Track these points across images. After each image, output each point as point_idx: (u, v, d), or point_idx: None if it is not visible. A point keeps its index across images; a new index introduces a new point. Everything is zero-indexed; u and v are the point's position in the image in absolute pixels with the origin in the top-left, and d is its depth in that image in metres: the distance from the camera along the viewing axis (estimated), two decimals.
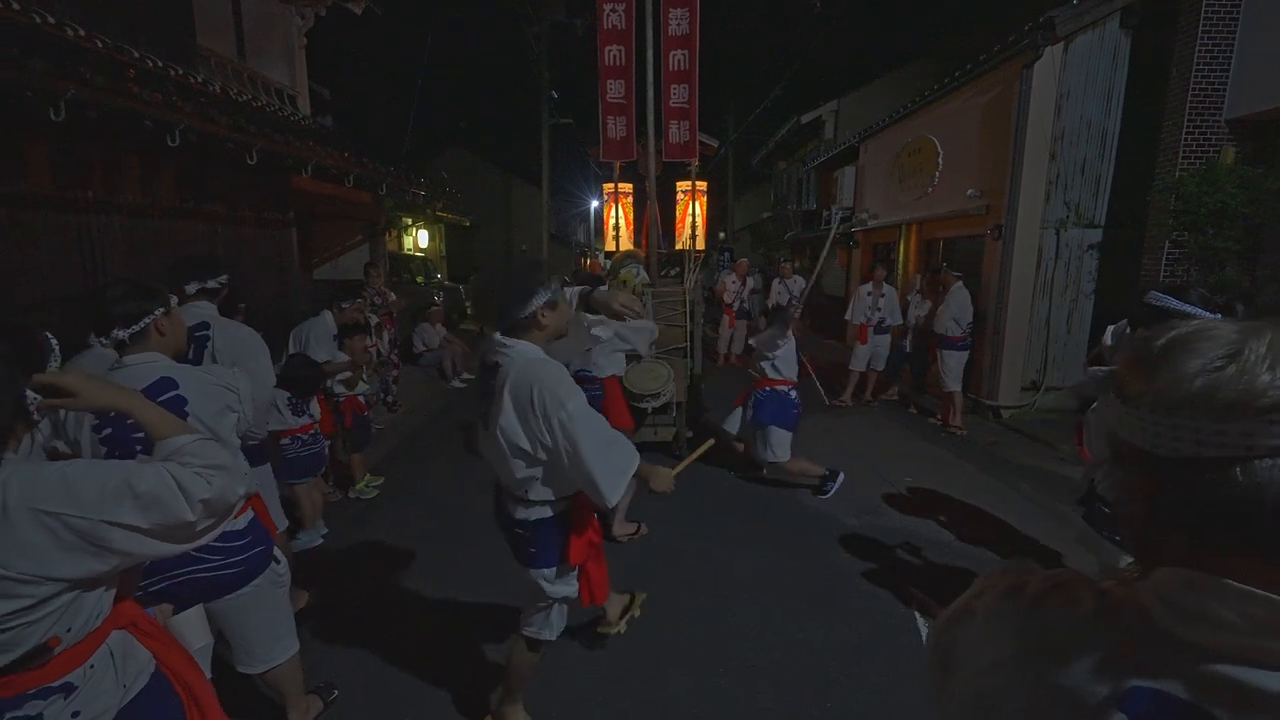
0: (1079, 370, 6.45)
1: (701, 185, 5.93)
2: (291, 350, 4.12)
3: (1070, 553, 3.55)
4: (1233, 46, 5.43)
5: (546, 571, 2.00)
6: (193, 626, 1.70)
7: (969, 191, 7.14)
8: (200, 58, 6.36)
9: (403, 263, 12.03)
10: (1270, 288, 5.21)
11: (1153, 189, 5.86)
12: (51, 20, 4.01)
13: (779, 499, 4.59)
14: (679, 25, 5.48)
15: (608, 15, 5.52)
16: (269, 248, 6.27)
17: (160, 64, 5.10)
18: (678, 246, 6.03)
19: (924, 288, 7.22)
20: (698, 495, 4.43)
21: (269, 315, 5.43)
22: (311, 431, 3.68)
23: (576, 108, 19.79)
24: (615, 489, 1.79)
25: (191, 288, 2.62)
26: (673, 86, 5.58)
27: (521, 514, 1.96)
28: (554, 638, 2.16)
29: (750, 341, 4.53)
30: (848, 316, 7.72)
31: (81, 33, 4.27)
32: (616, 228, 6.04)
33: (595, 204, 25.77)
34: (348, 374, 4.34)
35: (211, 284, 2.66)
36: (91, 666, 1.13)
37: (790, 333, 4.43)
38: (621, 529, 3.85)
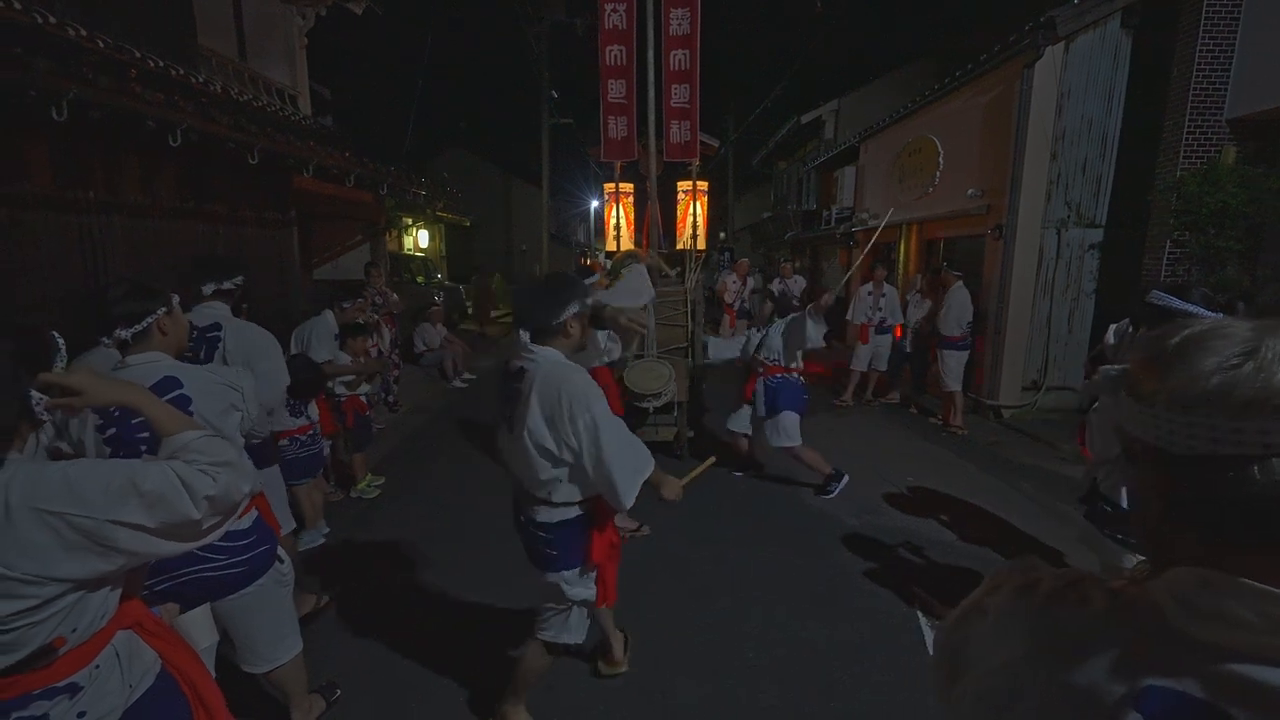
0: (1080, 370, 6.46)
1: (702, 185, 5.93)
2: (293, 350, 4.12)
3: (1072, 552, 3.55)
4: (1234, 46, 5.43)
5: (568, 574, 2.02)
6: (199, 626, 1.70)
7: (970, 191, 7.14)
8: (201, 58, 6.36)
9: (403, 263, 12.03)
10: (1271, 287, 5.21)
11: (1154, 189, 5.86)
12: (53, 20, 4.01)
13: (781, 499, 4.59)
14: (680, 25, 5.47)
15: (609, 15, 5.52)
16: (270, 248, 6.27)
17: (161, 64, 5.10)
18: (679, 246, 6.03)
19: (924, 287, 7.22)
20: (699, 495, 4.42)
21: (270, 315, 5.42)
22: (310, 433, 3.67)
23: (576, 108, 19.84)
24: (632, 492, 1.85)
25: (208, 289, 2.64)
26: (674, 86, 5.58)
27: (544, 516, 1.98)
28: (573, 642, 2.17)
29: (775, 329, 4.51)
30: (849, 317, 7.72)
31: (83, 33, 4.27)
32: (617, 228, 6.04)
33: (595, 204, 25.78)
34: (350, 376, 4.35)
35: (227, 285, 2.68)
36: (97, 667, 1.13)
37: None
38: (623, 522, 3.87)
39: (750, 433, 4.84)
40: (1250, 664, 0.50)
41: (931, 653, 0.84)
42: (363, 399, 4.57)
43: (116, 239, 4.36)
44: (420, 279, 12.03)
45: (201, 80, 5.68)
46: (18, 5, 3.80)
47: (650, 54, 5.39)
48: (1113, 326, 3.10)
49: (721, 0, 17.24)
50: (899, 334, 7.37)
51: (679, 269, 5.80)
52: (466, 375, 8.67)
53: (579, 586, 2.05)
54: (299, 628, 2.17)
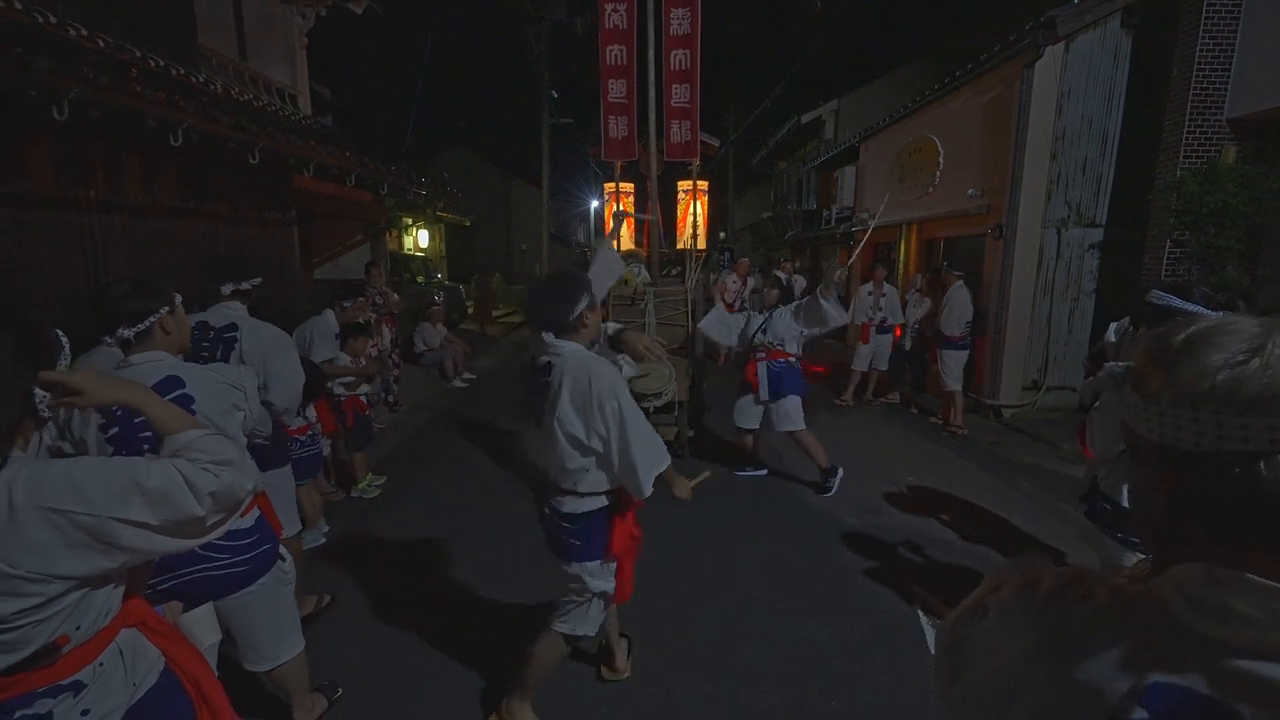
0: (1080, 370, 6.46)
1: (703, 185, 5.93)
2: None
3: (1073, 551, 3.55)
4: (1234, 46, 5.43)
5: (590, 565, 2.09)
6: (202, 624, 1.70)
7: (970, 191, 7.14)
8: (201, 57, 6.36)
9: (403, 262, 12.03)
10: (1271, 286, 5.22)
11: (1154, 188, 5.87)
12: (53, 20, 4.01)
13: (781, 498, 4.59)
14: (680, 25, 5.47)
15: (609, 15, 5.52)
16: (270, 247, 6.26)
17: (162, 64, 5.10)
18: (679, 246, 6.03)
19: (924, 287, 7.22)
20: (698, 495, 4.41)
21: (270, 314, 5.42)
22: (308, 433, 3.67)
23: (576, 108, 19.83)
24: (650, 482, 1.95)
25: (226, 289, 2.66)
26: (674, 86, 5.57)
27: (569, 507, 2.05)
28: (590, 634, 2.22)
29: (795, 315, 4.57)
30: (849, 316, 7.72)
31: (84, 32, 4.27)
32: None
33: (595, 204, 25.79)
34: (349, 377, 4.35)
35: (244, 286, 2.71)
36: (101, 665, 1.13)
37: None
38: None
39: (758, 428, 4.86)
40: (1256, 660, 0.50)
41: (933, 652, 0.84)
42: (363, 399, 4.57)
43: (117, 238, 4.36)
44: (420, 279, 12.03)
45: (202, 80, 5.68)
46: (18, 5, 3.80)
47: (651, 54, 5.39)
48: (1113, 325, 3.11)
49: (722, 0, 17.21)
50: (899, 334, 7.37)
51: (679, 268, 5.80)
52: (466, 375, 8.67)
53: (600, 578, 2.11)
54: (301, 626, 2.17)
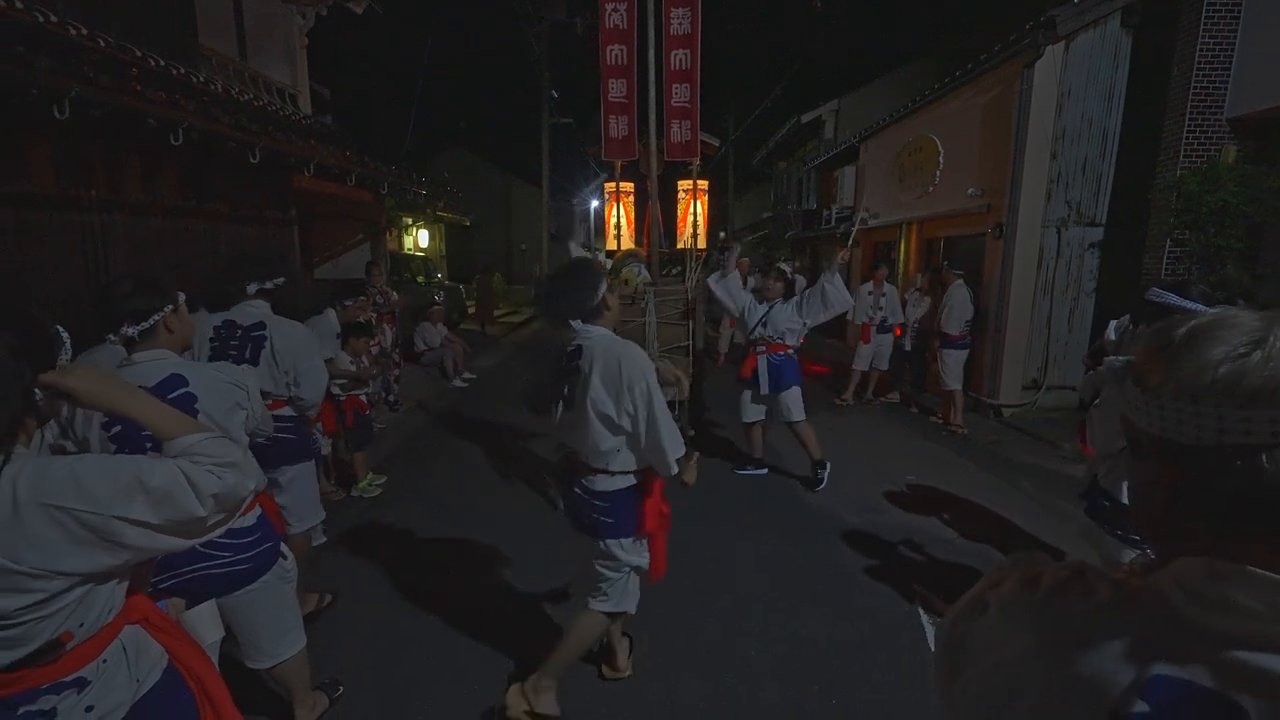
0: (1080, 369, 6.47)
1: (703, 184, 5.93)
2: None
3: (1073, 549, 3.55)
4: (1234, 45, 5.44)
5: (624, 541, 2.18)
6: (205, 621, 1.70)
7: (970, 190, 7.14)
8: (202, 57, 6.36)
9: (403, 262, 12.02)
10: (1271, 285, 5.22)
11: (1154, 187, 5.87)
12: (54, 19, 4.01)
13: (781, 497, 4.59)
14: (680, 25, 5.47)
15: (609, 14, 5.52)
16: (270, 247, 6.27)
17: (162, 63, 5.10)
18: (679, 245, 6.03)
19: (924, 286, 7.23)
20: (699, 493, 4.42)
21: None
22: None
23: (576, 107, 19.85)
24: (675, 460, 2.06)
25: (252, 288, 2.69)
26: (674, 86, 5.58)
27: (602, 485, 2.14)
28: (630, 610, 2.30)
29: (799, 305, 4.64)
30: (849, 316, 7.72)
31: (84, 31, 4.27)
32: (618, 227, 6.03)
33: (595, 204, 25.79)
34: (345, 379, 4.35)
35: (268, 284, 2.74)
36: (104, 661, 1.13)
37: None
38: None
39: (763, 418, 4.89)
40: (1259, 652, 0.50)
41: (933, 649, 0.84)
42: (363, 398, 4.57)
43: (118, 238, 4.37)
44: (420, 279, 12.02)
45: (202, 79, 5.68)
46: (19, 4, 3.80)
47: (651, 53, 5.39)
48: (1113, 323, 3.11)
49: (722, 0, 17.21)
50: (898, 333, 7.37)
51: (679, 268, 5.80)
52: (467, 375, 8.67)
53: (634, 553, 2.21)
54: (302, 624, 2.18)
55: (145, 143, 4.41)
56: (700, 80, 5.54)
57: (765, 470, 5.02)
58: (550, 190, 16.01)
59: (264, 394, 2.62)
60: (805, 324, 4.62)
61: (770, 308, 4.72)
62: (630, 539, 2.18)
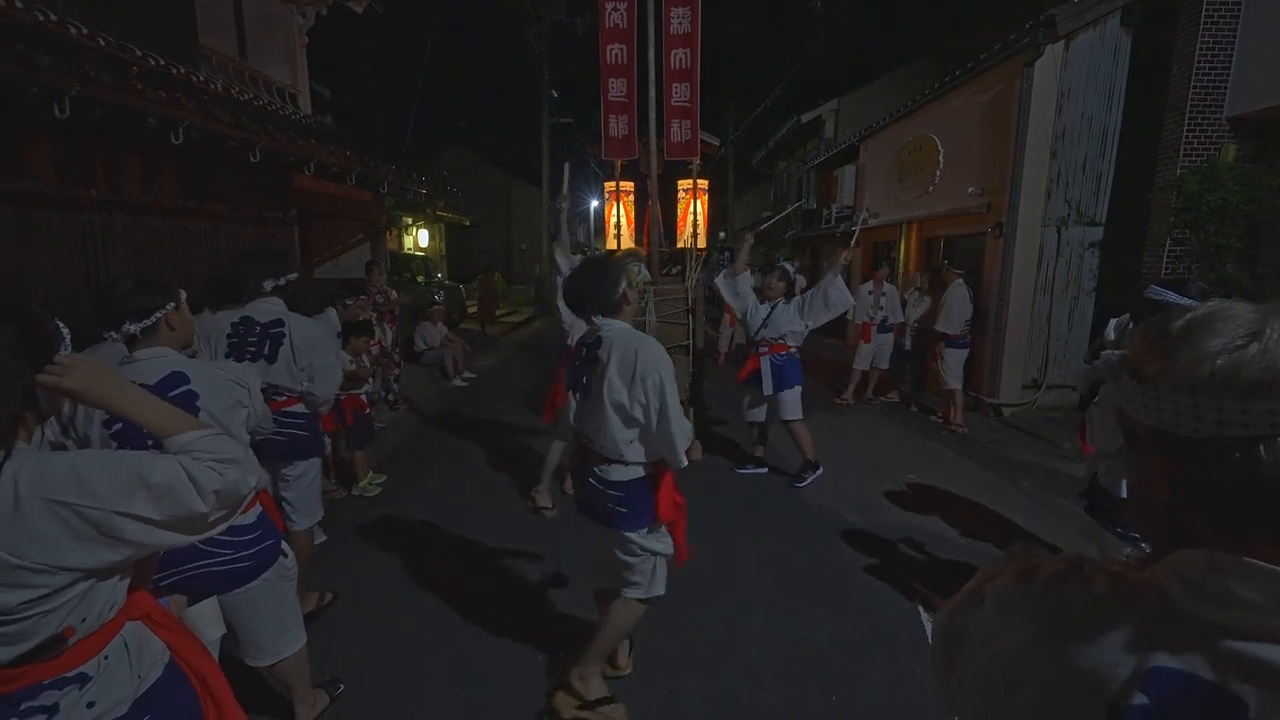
0: (1080, 368, 6.46)
1: (703, 183, 5.93)
2: None
3: (1073, 548, 3.55)
4: (1233, 44, 5.44)
5: (642, 531, 2.22)
6: (207, 618, 1.71)
7: (970, 190, 7.15)
8: (202, 56, 6.36)
9: (403, 262, 12.02)
10: (1271, 284, 5.22)
11: (1154, 186, 5.87)
12: (54, 18, 4.01)
13: (781, 496, 4.59)
14: (680, 24, 5.47)
15: (609, 14, 5.52)
16: (271, 246, 6.27)
17: (162, 63, 5.10)
18: (679, 245, 6.03)
19: (924, 285, 7.23)
20: (699, 493, 4.43)
21: None
22: None
23: (576, 107, 19.80)
24: (684, 452, 2.13)
25: (268, 285, 2.72)
26: (674, 85, 5.58)
27: (617, 475, 2.18)
28: (661, 594, 2.35)
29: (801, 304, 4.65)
30: (849, 316, 7.72)
31: (84, 31, 4.27)
32: (618, 226, 6.03)
33: (595, 204, 25.81)
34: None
35: (283, 281, 2.77)
36: (106, 657, 1.13)
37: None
38: (543, 501, 4.23)
39: (764, 420, 4.91)
40: (1257, 644, 0.50)
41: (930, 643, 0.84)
42: (363, 397, 4.58)
43: (118, 237, 4.37)
44: (420, 278, 12.02)
45: (202, 79, 5.68)
46: (19, 3, 3.80)
47: (651, 53, 5.39)
48: (1113, 321, 3.11)
49: (722, 0, 17.19)
50: (898, 332, 7.37)
51: (679, 267, 5.80)
52: (467, 374, 8.67)
53: (655, 541, 2.25)
54: (303, 621, 2.18)
55: (145, 142, 4.41)
56: (700, 80, 5.54)
57: (765, 470, 5.02)
58: (550, 190, 16.01)
59: (280, 390, 2.67)
60: (807, 326, 4.62)
61: (772, 308, 4.71)
62: (646, 528, 2.22)
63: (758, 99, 17.23)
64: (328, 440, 4.31)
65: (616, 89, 5.62)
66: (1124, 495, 2.22)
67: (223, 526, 1.18)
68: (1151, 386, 0.57)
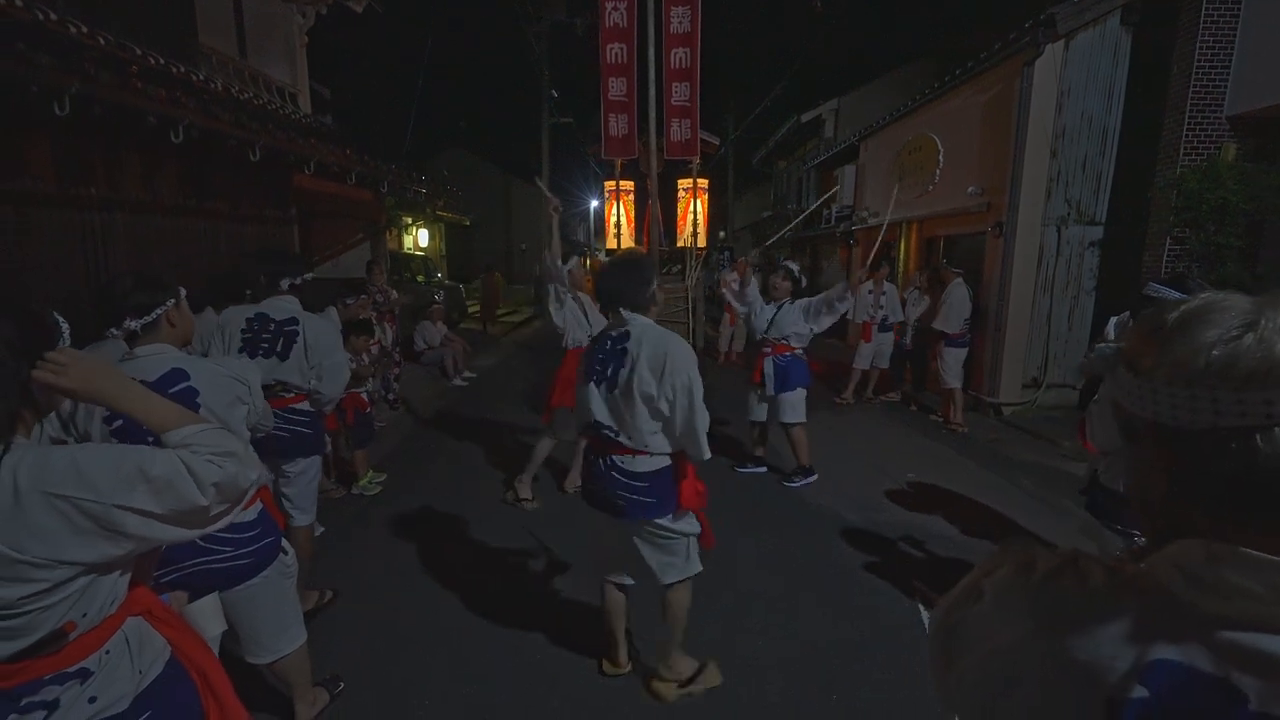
0: (1080, 368, 6.47)
1: (703, 183, 5.94)
2: None
3: (1073, 545, 3.56)
4: (1233, 43, 5.44)
5: (667, 518, 2.27)
6: (207, 615, 1.71)
7: (970, 189, 7.15)
8: (202, 56, 6.36)
9: (403, 261, 12.02)
10: (1271, 283, 5.22)
11: (1154, 185, 5.87)
12: (54, 17, 4.01)
13: (782, 495, 4.59)
14: (680, 23, 5.49)
15: (609, 13, 5.53)
16: (271, 245, 6.27)
17: (162, 61, 5.10)
18: (679, 244, 6.04)
19: (924, 285, 7.23)
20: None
21: None
22: None
23: (576, 107, 19.79)
24: (707, 448, 2.20)
25: (284, 283, 2.75)
26: (674, 84, 5.59)
27: (643, 466, 2.22)
28: (699, 570, 2.40)
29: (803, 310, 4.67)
30: (849, 315, 7.72)
31: (84, 29, 4.27)
32: (618, 225, 6.04)
33: (595, 204, 25.81)
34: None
35: (298, 280, 2.81)
36: (107, 652, 1.13)
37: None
38: (524, 492, 4.28)
39: (765, 420, 4.90)
40: (1257, 634, 0.50)
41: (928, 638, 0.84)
42: (363, 396, 4.58)
43: (118, 236, 4.37)
44: (420, 278, 12.03)
45: (202, 78, 5.68)
46: (19, 2, 3.80)
47: (651, 52, 5.41)
48: (1113, 319, 3.11)
49: (722, 0, 17.20)
50: (898, 331, 7.37)
51: (679, 266, 5.81)
52: (467, 374, 8.67)
53: (684, 524, 2.30)
54: (303, 619, 2.18)
55: (145, 141, 4.42)
56: (700, 79, 5.55)
57: (765, 469, 5.02)
58: (550, 190, 16.00)
59: (287, 386, 2.68)
60: (811, 330, 4.60)
61: (778, 309, 4.70)
62: (670, 515, 2.27)
63: (758, 98, 17.23)
64: (328, 439, 4.32)
65: (616, 88, 5.63)
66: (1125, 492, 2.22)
67: (225, 521, 1.18)
68: (1147, 379, 0.57)
